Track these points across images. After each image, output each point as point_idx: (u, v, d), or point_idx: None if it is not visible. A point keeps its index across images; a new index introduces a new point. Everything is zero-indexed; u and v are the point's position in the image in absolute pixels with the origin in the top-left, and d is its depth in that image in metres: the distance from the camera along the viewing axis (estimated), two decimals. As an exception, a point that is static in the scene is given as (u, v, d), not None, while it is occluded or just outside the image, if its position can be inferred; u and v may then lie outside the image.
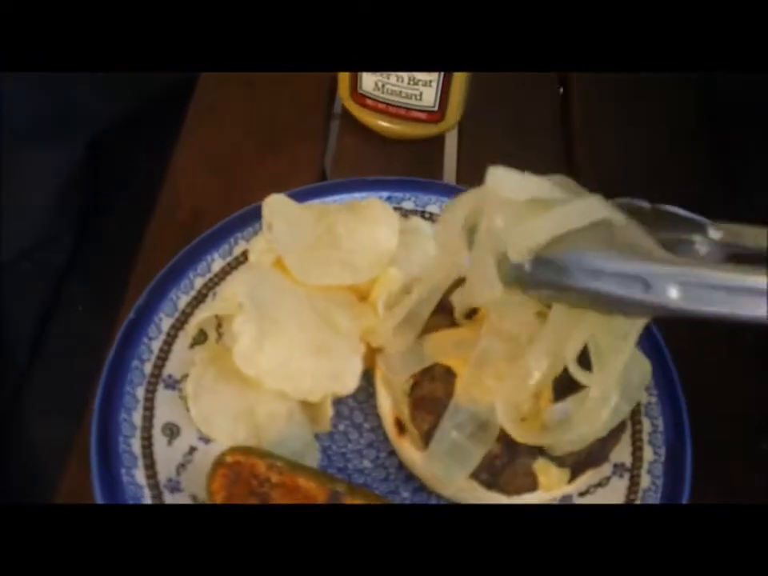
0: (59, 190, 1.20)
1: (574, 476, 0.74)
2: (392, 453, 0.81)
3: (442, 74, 0.96)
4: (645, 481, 0.77)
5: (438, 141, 1.08)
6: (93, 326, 0.93)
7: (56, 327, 1.15)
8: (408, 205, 0.94)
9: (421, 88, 0.98)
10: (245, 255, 0.89)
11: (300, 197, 0.90)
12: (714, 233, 0.64)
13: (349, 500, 0.71)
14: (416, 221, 0.92)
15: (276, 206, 0.84)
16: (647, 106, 1.16)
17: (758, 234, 0.63)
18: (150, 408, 0.79)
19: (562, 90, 1.20)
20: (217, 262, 0.88)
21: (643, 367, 0.73)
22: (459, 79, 0.98)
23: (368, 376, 0.82)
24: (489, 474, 0.73)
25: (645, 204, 0.67)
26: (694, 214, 0.65)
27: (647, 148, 1.10)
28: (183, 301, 0.86)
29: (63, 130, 1.19)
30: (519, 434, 0.71)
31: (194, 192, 1.00)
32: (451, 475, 0.73)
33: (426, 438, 0.74)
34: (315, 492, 0.71)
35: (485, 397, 0.72)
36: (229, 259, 0.89)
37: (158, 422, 0.79)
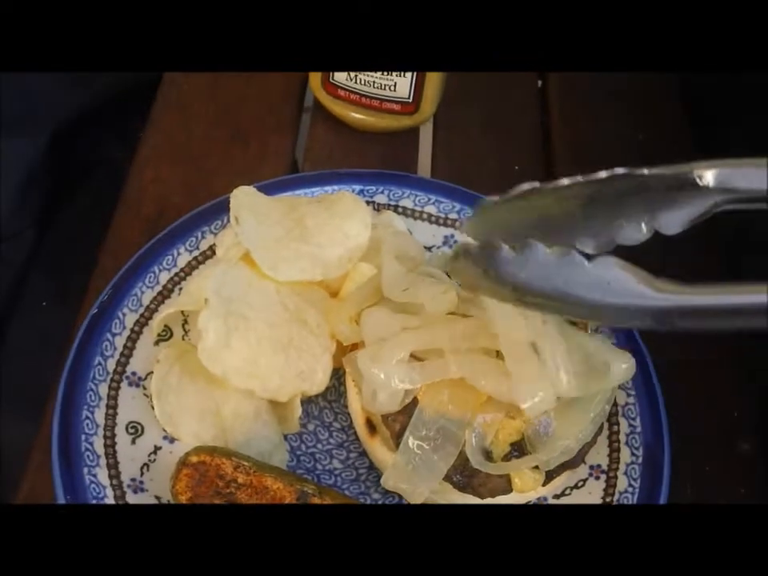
0: (22, 182, 1.16)
1: (549, 478, 0.72)
2: (362, 453, 0.79)
3: (417, 64, 0.94)
4: (622, 483, 0.76)
5: (413, 133, 1.06)
6: (57, 322, 0.90)
7: (20, 324, 1.12)
8: (381, 199, 0.92)
9: (395, 79, 0.96)
10: (212, 249, 0.86)
11: (270, 189, 0.88)
12: (704, 180, 0.61)
13: (317, 501, 0.69)
14: (389, 215, 0.90)
15: (244, 198, 0.81)
16: (628, 96, 1.14)
17: (748, 174, 0.59)
18: (113, 406, 0.77)
19: (540, 82, 1.18)
20: (183, 256, 0.86)
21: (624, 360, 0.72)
22: (434, 70, 0.96)
23: (339, 374, 0.80)
24: (462, 476, 0.71)
25: (623, 170, 0.62)
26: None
27: (628, 138, 1.09)
28: (148, 296, 0.83)
29: (26, 120, 1.16)
30: (496, 469, 0.70)
31: (159, 186, 0.97)
32: (416, 488, 0.71)
33: (398, 439, 0.72)
34: (283, 493, 0.69)
35: (447, 408, 0.70)
36: (195, 253, 0.86)
37: (122, 420, 0.76)
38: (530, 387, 0.68)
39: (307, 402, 0.80)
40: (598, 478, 0.77)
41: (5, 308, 1.11)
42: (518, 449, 0.71)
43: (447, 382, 0.70)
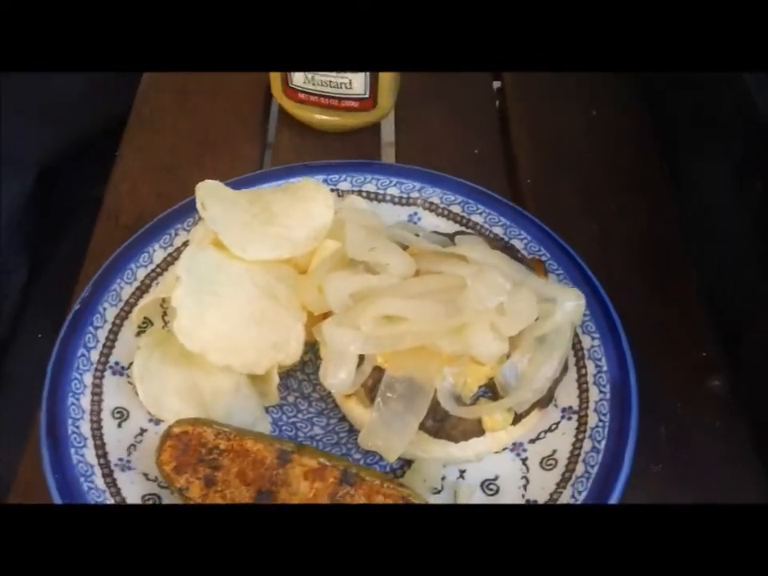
0: (10, 223, 1.20)
1: (519, 417, 0.75)
2: (342, 418, 0.81)
3: (369, 59, 0.97)
4: (592, 419, 0.78)
5: (375, 130, 1.10)
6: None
7: (16, 357, 1.15)
8: (344, 186, 0.96)
9: (350, 76, 1.00)
10: (186, 245, 0.89)
11: (237, 186, 0.91)
12: None
13: (297, 458, 0.71)
14: (352, 198, 0.93)
15: (209, 189, 0.84)
16: (588, 88, 1.17)
17: None
18: (98, 393, 0.80)
19: (500, 83, 1.22)
20: (158, 253, 0.89)
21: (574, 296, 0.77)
22: (387, 65, 0.99)
23: (315, 348, 0.83)
24: (434, 420, 0.73)
25: None
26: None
27: (586, 127, 1.12)
28: (127, 291, 0.87)
29: (13, 163, 1.20)
30: (469, 412, 0.73)
31: (135, 197, 1.01)
32: (391, 446, 0.73)
33: (371, 394, 0.74)
34: (263, 453, 0.72)
35: (412, 365, 0.74)
36: (170, 250, 0.90)
37: (107, 406, 0.80)
38: (481, 338, 0.72)
39: (286, 376, 0.84)
40: (570, 419, 0.79)
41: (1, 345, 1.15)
42: (488, 388, 0.74)
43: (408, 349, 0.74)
